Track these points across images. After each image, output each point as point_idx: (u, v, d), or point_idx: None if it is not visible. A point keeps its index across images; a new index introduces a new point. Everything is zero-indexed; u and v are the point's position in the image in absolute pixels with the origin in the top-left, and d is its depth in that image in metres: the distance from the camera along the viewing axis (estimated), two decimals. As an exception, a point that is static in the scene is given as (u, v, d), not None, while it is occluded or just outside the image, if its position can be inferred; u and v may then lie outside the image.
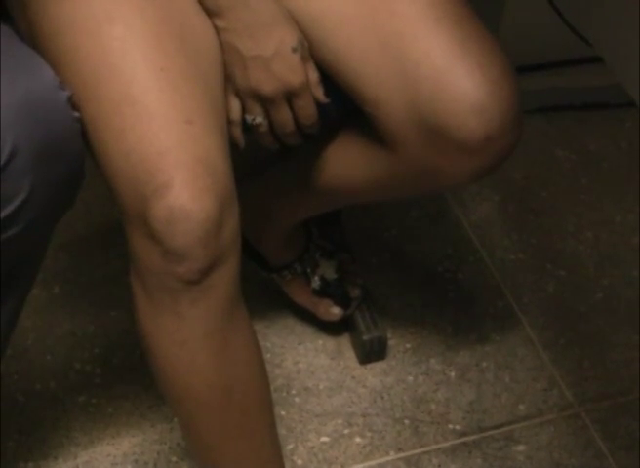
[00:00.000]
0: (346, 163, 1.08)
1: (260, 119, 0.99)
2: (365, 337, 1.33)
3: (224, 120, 0.94)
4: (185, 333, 0.90)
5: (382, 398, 1.32)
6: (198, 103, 0.89)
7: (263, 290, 1.38)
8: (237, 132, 0.99)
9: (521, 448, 1.29)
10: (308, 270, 1.32)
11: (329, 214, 1.33)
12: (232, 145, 0.96)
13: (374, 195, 1.11)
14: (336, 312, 1.34)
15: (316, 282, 1.32)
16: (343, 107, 1.03)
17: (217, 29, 0.96)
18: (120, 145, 0.86)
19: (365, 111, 0.99)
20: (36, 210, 0.86)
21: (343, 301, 1.33)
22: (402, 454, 1.27)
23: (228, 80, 0.97)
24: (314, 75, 0.98)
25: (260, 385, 0.99)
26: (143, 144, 0.85)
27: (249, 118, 0.99)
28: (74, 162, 0.88)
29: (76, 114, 0.88)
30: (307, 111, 0.98)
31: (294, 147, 1.05)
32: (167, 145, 0.85)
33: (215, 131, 0.89)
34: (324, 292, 1.33)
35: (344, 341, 1.38)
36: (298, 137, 1.01)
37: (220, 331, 0.91)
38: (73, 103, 0.88)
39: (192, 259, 0.85)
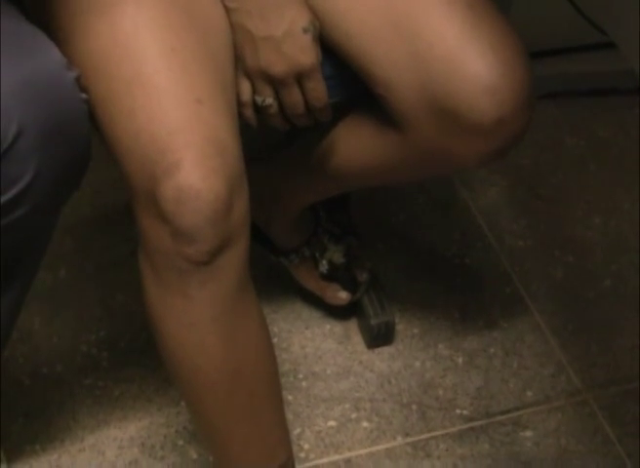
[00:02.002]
0: (356, 146, 1.07)
1: (270, 100, 0.98)
2: (373, 322, 1.33)
3: (234, 100, 0.93)
4: (194, 315, 0.90)
5: (390, 383, 1.32)
6: (208, 84, 0.88)
7: (271, 274, 1.37)
8: (249, 112, 0.98)
9: (528, 433, 1.28)
10: (316, 254, 1.32)
11: (337, 198, 1.32)
12: (243, 126, 0.96)
13: (384, 178, 1.10)
14: (343, 296, 1.33)
15: (324, 266, 1.31)
16: (354, 90, 1.03)
17: (227, 10, 0.95)
18: (130, 125, 0.86)
19: (376, 93, 0.99)
20: (42, 191, 0.85)
21: (351, 286, 1.33)
22: (409, 439, 1.27)
23: (239, 61, 0.97)
24: (319, 57, 0.97)
25: (269, 368, 0.98)
26: (153, 124, 0.85)
27: (259, 99, 0.98)
28: (81, 144, 0.88)
29: (84, 95, 0.88)
30: (318, 93, 0.97)
31: (304, 129, 1.04)
32: (177, 125, 0.85)
33: (224, 111, 0.88)
34: (332, 276, 1.32)
35: (352, 326, 1.38)
36: (308, 119, 1.00)
37: (228, 313, 0.91)
38: (81, 85, 0.87)
39: (201, 240, 0.85)
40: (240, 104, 0.97)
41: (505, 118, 0.93)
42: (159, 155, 0.84)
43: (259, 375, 0.96)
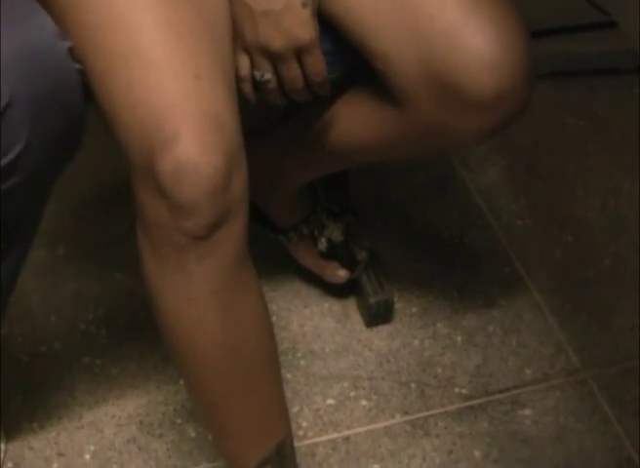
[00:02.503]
0: (356, 121, 1.07)
1: (268, 75, 0.97)
2: (371, 300, 1.32)
3: (233, 75, 0.92)
4: (192, 290, 0.89)
5: (389, 361, 1.32)
6: (206, 58, 0.88)
7: (269, 253, 1.37)
8: (247, 88, 0.97)
9: (527, 412, 1.28)
10: (315, 232, 1.31)
11: (335, 176, 1.32)
12: (242, 102, 0.95)
13: (382, 154, 1.10)
14: (342, 275, 1.33)
15: (323, 244, 1.31)
16: (353, 65, 1.02)
17: (225, -16, 0.95)
18: (127, 98, 0.85)
19: (375, 68, 0.98)
20: (35, 160, 0.84)
21: (350, 264, 1.32)
22: (408, 417, 1.27)
23: (237, 36, 0.96)
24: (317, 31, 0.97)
25: (268, 345, 0.98)
26: (151, 97, 0.84)
27: (257, 74, 0.97)
28: (75, 114, 0.86)
29: (77, 66, 0.87)
30: (317, 68, 0.96)
31: (302, 105, 1.04)
32: (174, 99, 0.84)
33: (223, 85, 0.88)
34: (330, 254, 1.32)
35: (351, 304, 1.38)
36: (307, 94, 0.99)
37: (227, 288, 0.90)
38: (75, 55, 0.86)
39: (199, 214, 0.84)
40: (239, 79, 0.97)
41: (505, 93, 0.92)
42: (157, 129, 0.83)
43: (257, 351, 0.96)
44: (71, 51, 0.85)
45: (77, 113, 0.87)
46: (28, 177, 0.84)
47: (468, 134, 0.97)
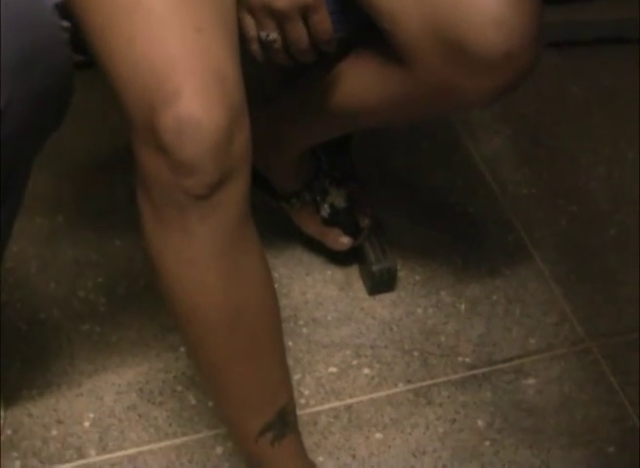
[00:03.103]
0: (361, 83, 1.05)
1: (274, 35, 0.95)
2: (374, 268, 1.31)
3: (235, 30, 0.90)
4: (194, 252, 0.88)
5: (391, 329, 1.31)
6: (207, 13, 0.86)
7: (271, 220, 1.35)
8: (254, 46, 0.95)
9: (531, 381, 1.27)
10: (318, 198, 1.30)
11: (338, 142, 1.30)
12: (245, 63, 0.93)
13: (387, 117, 1.08)
14: (345, 241, 1.31)
15: (325, 210, 1.30)
16: (357, 24, 1.00)
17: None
18: (128, 53, 0.83)
19: (380, 27, 0.96)
20: (17, 121, 0.81)
21: (353, 231, 1.31)
22: (411, 386, 1.25)
23: None
24: None
25: (270, 308, 0.97)
26: (153, 52, 0.82)
27: (263, 34, 0.95)
28: (60, 75, 0.84)
29: (64, 23, 0.85)
30: (323, 26, 0.94)
31: (306, 67, 1.02)
32: (176, 53, 0.82)
33: (224, 40, 0.86)
34: (333, 220, 1.30)
35: (353, 272, 1.36)
36: (312, 54, 0.98)
37: (229, 250, 0.89)
38: (72, 11, 0.84)
39: (201, 172, 0.82)
40: (246, 40, 0.95)
41: (513, 51, 0.90)
42: (158, 84, 0.81)
43: (259, 314, 0.94)
44: (65, 7, 0.83)
45: (62, 74, 0.84)
46: (9, 138, 0.81)
47: (475, 94, 0.95)
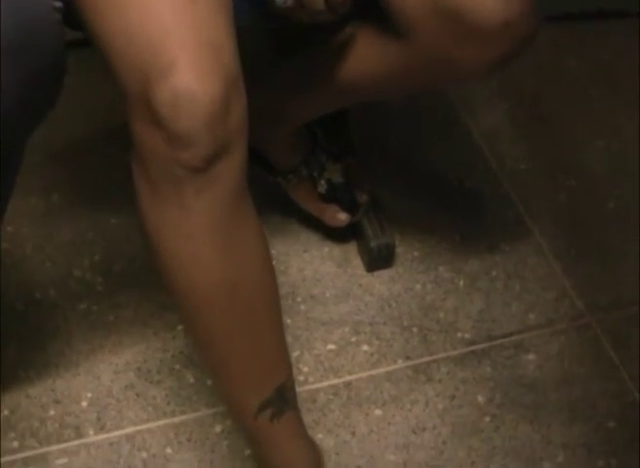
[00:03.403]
0: (359, 55, 1.03)
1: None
2: (372, 244, 1.30)
3: (230, 2, 0.89)
4: (191, 226, 0.87)
5: (390, 306, 1.30)
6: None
7: (267, 197, 1.34)
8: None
9: (531, 356, 1.26)
10: (315, 174, 1.29)
11: (334, 117, 1.29)
12: (241, 37, 0.91)
13: (386, 89, 1.07)
14: (343, 218, 1.30)
15: (323, 186, 1.29)
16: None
17: None
18: (123, 26, 0.82)
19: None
20: (10, 102, 0.80)
21: (351, 207, 1.30)
22: (410, 363, 1.25)
23: None
24: None
25: (268, 283, 0.96)
26: (146, 24, 0.81)
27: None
28: (52, 55, 0.83)
29: (57, 4, 0.83)
30: None
31: (308, 36, 1.00)
32: (170, 25, 0.81)
33: (219, 11, 0.84)
34: (331, 196, 1.29)
35: (351, 249, 1.35)
36: (326, 15, 0.94)
37: (226, 224, 0.88)
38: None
39: (197, 145, 0.81)
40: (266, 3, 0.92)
41: (512, 19, 0.89)
42: (152, 56, 0.80)
43: (257, 289, 0.93)
44: None
45: (55, 54, 0.83)
46: (3, 121, 0.80)
47: (474, 64, 0.94)
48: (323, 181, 1.29)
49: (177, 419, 1.18)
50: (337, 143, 1.30)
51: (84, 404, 1.19)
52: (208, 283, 0.90)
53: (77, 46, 1.13)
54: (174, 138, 0.81)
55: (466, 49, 0.92)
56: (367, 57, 1.02)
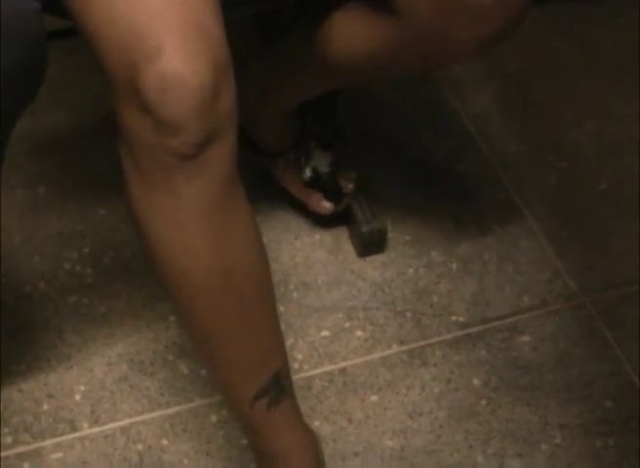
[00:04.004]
0: (349, 35, 1.02)
1: None
2: (364, 229, 1.29)
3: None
4: (181, 214, 0.86)
5: (383, 291, 1.29)
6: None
7: (256, 184, 1.32)
8: None
9: (526, 338, 1.26)
10: (302, 160, 1.28)
11: (324, 104, 1.28)
12: (227, 19, 0.90)
13: (377, 69, 1.06)
14: (327, 206, 1.30)
15: (307, 173, 1.28)
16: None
17: None
18: (107, 11, 0.81)
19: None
20: None
21: (335, 196, 1.29)
22: (405, 347, 1.24)
23: None
24: None
25: (261, 270, 0.95)
26: (132, 7, 0.80)
27: None
28: (32, 47, 0.81)
29: None
30: None
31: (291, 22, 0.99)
32: (156, 8, 0.80)
33: (207, -5, 0.83)
34: (315, 184, 1.28)
35: (342, 235, 1.34)
36: None
37: (217, 211, 0.87)
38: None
39: (187, 131, 0.80)
40: None
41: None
42: (139, 41, 0.79)
43: (250, 276, 0.92)
44: None
45: (35, 46, 0.81)
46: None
47: (467, 43, 0.93)
48: (308, 169, 1.28)
49: (171, 410, 1.17)
50: (326, 130, 1.29)
51: (77, 397, 1.18)
52: (200, 271, 0.89)
53: (60, 36, 1.12)
54: (162, 125, 0.80)
55: (459, 27, 0.91)
56: (358, 37, 1.01)
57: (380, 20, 0.97)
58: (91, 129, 1.45)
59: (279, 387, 0.99)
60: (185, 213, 0.86)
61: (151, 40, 0.78)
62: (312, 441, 1.05)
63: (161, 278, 0.92)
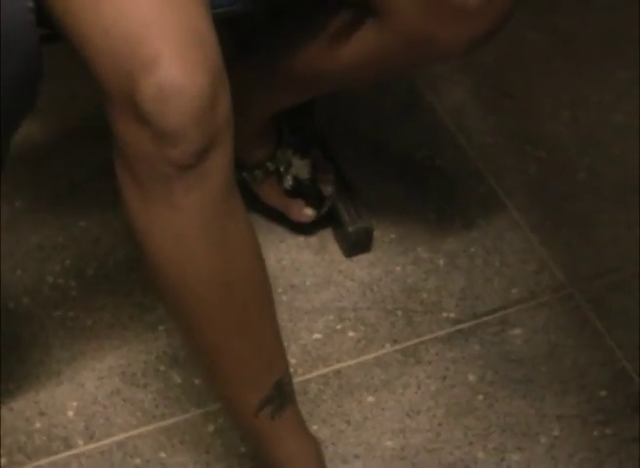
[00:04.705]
0: (333, 39, 1.01)
1: None
2: (350, 229, 1.28)
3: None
4: (181, 225, 0.84)
5: (372, 290, 1.28)
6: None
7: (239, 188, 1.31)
8: None
9: (517, 331, 1.26)
10: (281, 169, 1.26)
11: (300, 110, 1.26)
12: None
13: (361, 74, 1.05)
14: (309, 213, 1.29)
15: (288, 181, 1.26)
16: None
17: None
18: (98, 21, 0.79)
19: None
20: None
21: (316, 201, 1.28)
22: (398, 346, 1.23)
23: None
24: None
25: (260, 277, 0.94)
26: (124, 16, 0.78)
27: None
28: (28, 59, 0.80)
29: (29, 4, 0.80)
30: None
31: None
32: (149, 16, 0.78)
33: (198, 2, 0.81)
34: (296, 192, 1.27)
35: (327, 235, 1.33)
36: None
37: (217, 220, 0.85)
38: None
39: (186, 141, 0.79)
40: None
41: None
42: (134, 50, 0.77)
43: (250, 285, 0.91)
44: None
45: (31, 58, 0.80)
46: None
47: (455, 44, 0.92)
48: (289, 177, 1.26)
49: (167, 422, 1.16)
50: (302, 136, 1.28)
51: (70, 413, 1.16)
52: (201, 281, 0.88)
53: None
54: (161, 136, 0.78)
55: (447, 28, 0.90)
56: (341, 40, 1.00)
57: (365, 23, 0.96)
58: (64, 139, 1.43)
59: (282, 395, 0.98)
60: (185, 223, 0.84)
61: (147, 49, 0.77)
62: (315, 446, 1.04)
63: (160, 289, 0.91)
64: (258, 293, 0.93)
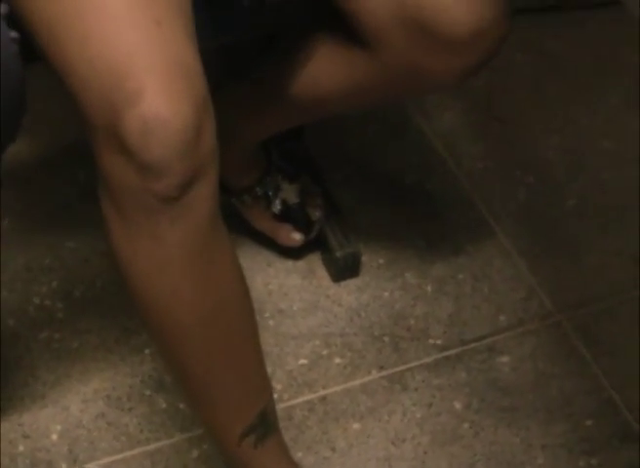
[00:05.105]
0: (323, 69, 1.01)
1: None
2: (338, 254, 1.28)
3: (192, 21, 0.86)
4: (165, 257, 0.84)
5: (359, 316, 1.28)
6: (164, 6, 0.82)
7: (225, 212, 1.31)
8: None
9: (504, 358, 1.25)
10: (270, 193, 1.26)
11: (289, 134, 1.26)
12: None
13: (350, 103, 1.05)
14: (297, 238, 1.29)
15: (277, 206, 1.26)
16: (319, 9, 0.96)
17: None
18: (83, 52, 0.79)
19: (345, 9, 0.92)
20: None
21: (304, 225, 1.27)
22: (384, 372, 1.23)
23: None
24: None
25: (244, 308, 0.93)
26: (109, 48, 0.78)
27: None
28: (12, 90, 0.79)
29: (13, 34, 0.80)
30: None
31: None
32: (135, 48, 0.78)
33: (184, 32, 0.81)
34: (285, 216, 1.27)
35: (315, 260, 1.33)
36: None
37: (201, 251, 0.85)
38: (17, 10, 0.78)
39: (171, 174, 0.78)
40: None
41: (485, 27, 0.87)
42: (118, 82, 0.77)
43: (234, 314, 0.91)
44: (11, 16, 0.77)
45: (15, 89, 0.79)
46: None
47: (445, 75, 0.92)
48: (278, 201, 1.26)
49: (151, 447, 1.15)
50: (292, 160, 1.28)
51: (54, 437, 1.16)
52: (185, 313, 0.87)
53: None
54: (145, 169, 0.78)
55: (437, 60, 0.90)
56: (332, 71, 1.00)
57: (354, 54, 0.96)
58: (52, 158, 1.42)
59: (266, 424, 0.98)
60: (169, 255, 0.84)
61: (131, 81, 0.77)
62: (299, 474, 1.04)
63: (144, 319, 0.90)
64: (242, 324, 0.93)
